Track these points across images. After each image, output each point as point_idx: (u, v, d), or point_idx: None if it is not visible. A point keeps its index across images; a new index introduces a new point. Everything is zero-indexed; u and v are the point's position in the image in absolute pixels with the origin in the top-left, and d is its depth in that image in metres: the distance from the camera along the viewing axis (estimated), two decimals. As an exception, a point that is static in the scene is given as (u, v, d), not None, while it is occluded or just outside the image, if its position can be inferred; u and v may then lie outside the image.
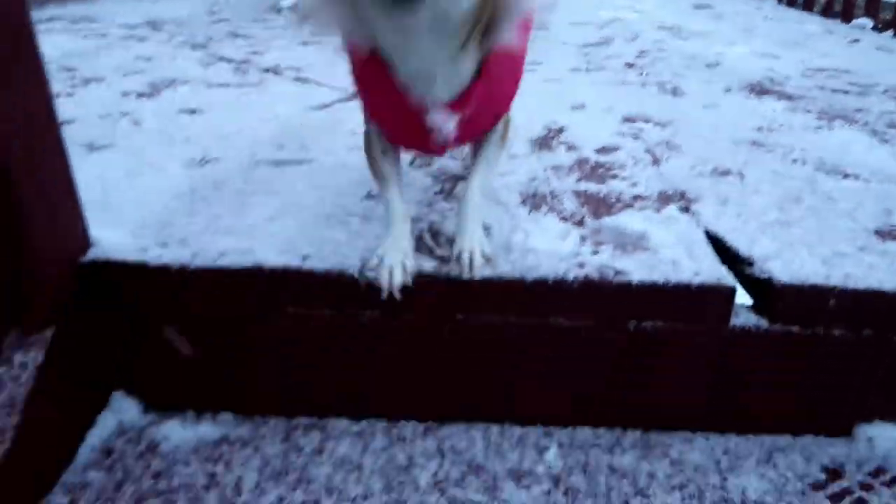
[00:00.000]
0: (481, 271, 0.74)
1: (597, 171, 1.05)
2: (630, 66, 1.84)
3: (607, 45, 2.13)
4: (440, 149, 0.77)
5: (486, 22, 0.67)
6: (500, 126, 0.81)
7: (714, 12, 2.94)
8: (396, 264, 0.72)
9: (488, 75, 0.71)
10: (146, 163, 1.05)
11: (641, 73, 1.74)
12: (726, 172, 1.06)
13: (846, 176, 1.05)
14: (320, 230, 0.82)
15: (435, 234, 0.84)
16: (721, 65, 1.87)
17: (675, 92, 1.56)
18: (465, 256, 0.74)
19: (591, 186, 0.99)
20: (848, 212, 0.92)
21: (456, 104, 0.70)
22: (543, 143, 1.18)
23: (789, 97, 1.53)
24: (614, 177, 1.03)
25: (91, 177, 0.97)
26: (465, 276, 0.73)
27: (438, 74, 0.68)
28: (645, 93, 1.55)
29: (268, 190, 0.94)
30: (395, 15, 0.61)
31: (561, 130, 1.25)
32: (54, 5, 2.70)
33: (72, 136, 1.14)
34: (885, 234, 0.86)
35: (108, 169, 1.01)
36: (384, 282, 0.71)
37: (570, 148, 1.16)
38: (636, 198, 0.95)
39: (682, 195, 0.96)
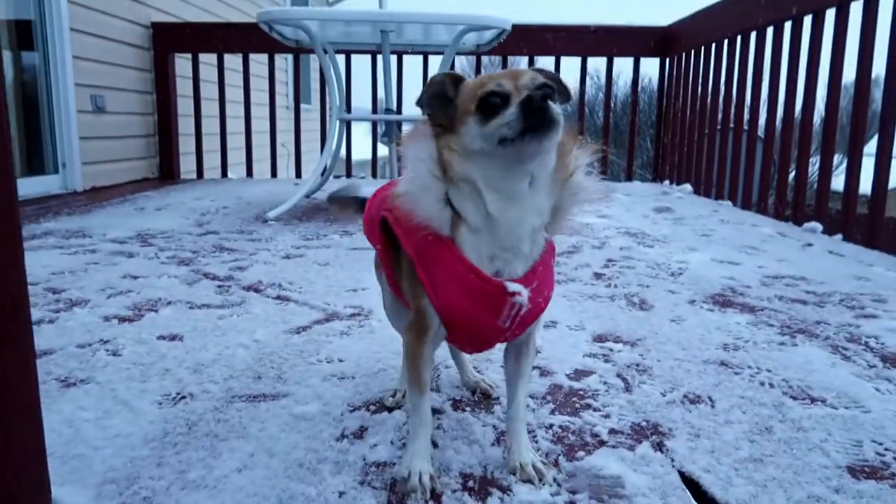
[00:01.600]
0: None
1: (570, 401, 1.06)
2: (599, 276, 1.93)
3: (578, 253, 2.24)
4: (499, 335, 0.82)
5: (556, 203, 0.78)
6: (539, 323, 0.86)
7: (674, 216, 3.15)
8: (425, 472, 0.79)
9: (545, 256, 0.80)
10: (120, 400, 1.04)
11: (609, 285, 1.83)
12: (697, 399, 1.07)
13: (813, 401, 1.07)
14: (290, 483, 0.81)
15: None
16: (684, 273, 1.97)
17: (643, 305, 1.62)
18: (530, 469, 0.82)
19: (565, 420, 0.99)
20: (818, 444, 0.93)
21: (524, 280, 0.78)
22: (517, 367, 1.20)
23: (752, 309, 1.59)
24: (587, 407, 1.04)
25: (60, 421, 0.96)
26: (538, 485, 0.80)
27: (524, 245, 0.77)
28: (614, 307, 1.61)
29: (241, 433, 0.94)
30: (532, 138, 0.70)
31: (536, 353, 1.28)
32: (49, 219, 2.82)
33: (49, 370, 1.15)
34: (857, 470, 0.86)
35: (79, 410, 1.00)
36: (420, 487, 0.78)
37: (544, 373, 1.18)
38: (611, 432, 0.95)
39: (656, 428, 0.97)
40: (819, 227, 2.72)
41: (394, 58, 4.20)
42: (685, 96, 4.31)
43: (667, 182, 4.52)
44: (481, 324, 0.80)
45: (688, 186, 4.15)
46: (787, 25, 3.11)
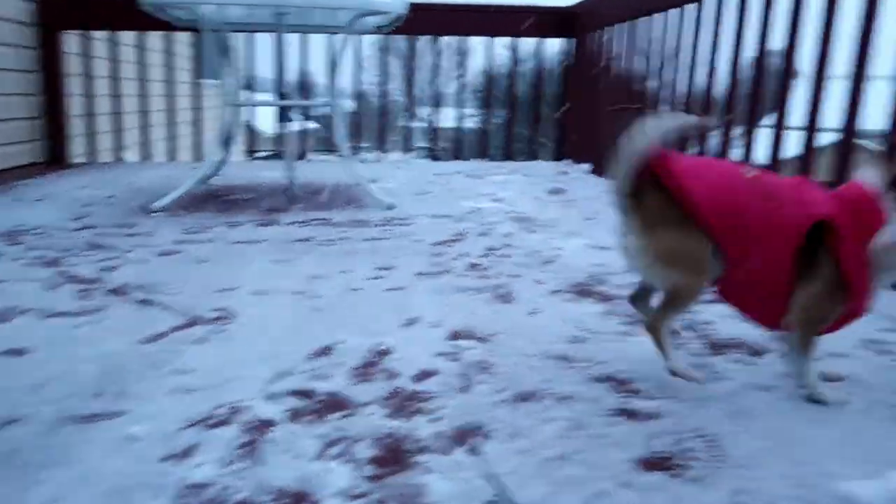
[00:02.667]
0: None
1: (406, 405, 1.10)
2: (474, 266, 1.98)
3: (460, 242, 2.29)
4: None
5: None
6: None
7: (566, 198, 3.25)
8: None
9: None
10: (-57, 429, 1.02)
11: (482, 276, 1.88)
12: (528, 397, 1.14)
13: (633, 393, 1.16)
14: (100, 511, 0.82)
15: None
16: (556, 261, 2.05)
17: (507, 297, 1.69)
18: None
19: (395, 424, 1.04)
20: (622, 439, 1.00)
21: None
22: (364, 371, 1.24)
23: (606, 298, 1.68)
24: (419, 412, 1.08)
25: None
26: None
27: None
28: (479, 300, 1.67)
29: (63, 459, 0.93)
30: None
31: (386, 353, 1.32)
32: (-88, 215, 2.65)
33: None
34: (648, 463, 0.94)
35: None
36: None
37: (390, 375, 1.22)
38: (435, 436, 1.00)
39: (479, 429, 1.02)
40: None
41: (297, 37, 4.11)
42: (588, 76, 4.41)
43: (568, 161, 4.64)
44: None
45: (586, 167, 4.28)
46: (691, 7, 3.22)
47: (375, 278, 1.84)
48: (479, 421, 1.05)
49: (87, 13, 4.38)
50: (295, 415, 1.08)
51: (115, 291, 1.70)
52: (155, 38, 4.61)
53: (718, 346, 1.37)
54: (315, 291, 1.71)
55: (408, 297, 1.69)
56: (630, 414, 1.09)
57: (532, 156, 4.91)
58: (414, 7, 4.40)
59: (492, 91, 5.03)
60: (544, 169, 4.38)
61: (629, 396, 1.15)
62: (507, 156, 4.95)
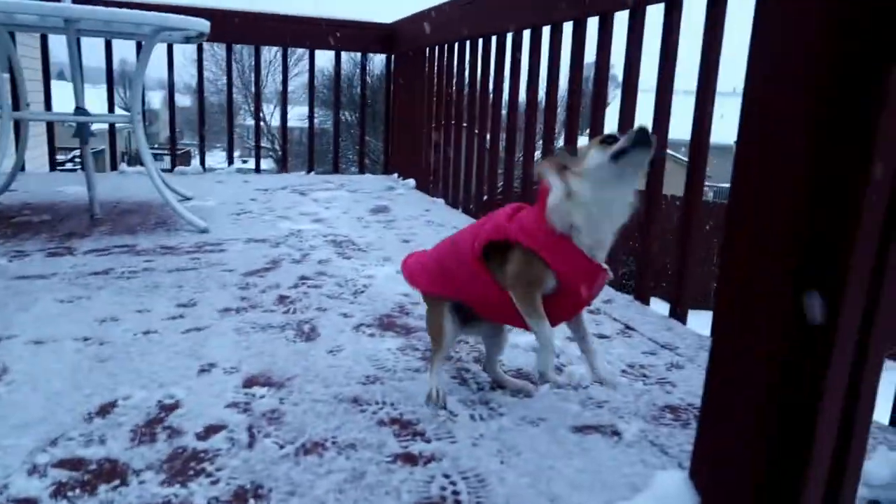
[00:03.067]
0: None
1: (187, 467, 1.09)
2: (282, 299, 1.98)
3: (273, 272, 2.27)
4: (581, 304, 1.28)
5: None
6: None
7: (387, 217, 3.32)
8: None
9: None
10: None
11: (288, 310, 1.88)
12: (312, 449, 1.16)
13: (414, 436, 1.23)
14: None
15: None
16: (366, 291, 2.10)
17: (311, 335, 1.70)
18: (609, 376, 1.33)
19: (170, 492, 1.02)
20: (398, 485, 1.06)
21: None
22: (146, 430, 1.20)
23: (407, 332, 1.76)
24: (201, 472, 1.07)
25: None
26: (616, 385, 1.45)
27: (608, 242, 1.23)
28: (281, 339, 1.67)
29: None
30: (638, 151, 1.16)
31: (174, 408, 1.29)
32: None
33: None
34: (417, 511, 1.00)
35: None
36: None
37: (172, 433, 1.19)
38: (212, 501, 1.00)
39: (256, 491, 1.03)
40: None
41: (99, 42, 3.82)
42: (410, 92, 4.52)
43: (395, 175, 4.73)
44: (581, 290, 1.24)
45: (412, 181, 4.40)
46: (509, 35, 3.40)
47: (174, 318, 1.78)
48: (258, 480, 1.06)
49: None
50: (59, 489, 1.02)
51: None
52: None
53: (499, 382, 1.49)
54: (104, 337, 1.62)
55: (206, 338, 1.65)
56: (409, 458, 1.15)
57: (360, 170, 4.96)
58: (233, 15, 4.28)
59: (313, 104, 4.99)
60: (372, 184, 4.43)
61: (411, 440, 1.21)
62: (336, 168, 4.96)
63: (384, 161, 5.00)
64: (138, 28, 2.89)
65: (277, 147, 17.11)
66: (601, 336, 1.80)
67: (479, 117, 3.61)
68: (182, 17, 2.69)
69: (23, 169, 3.61)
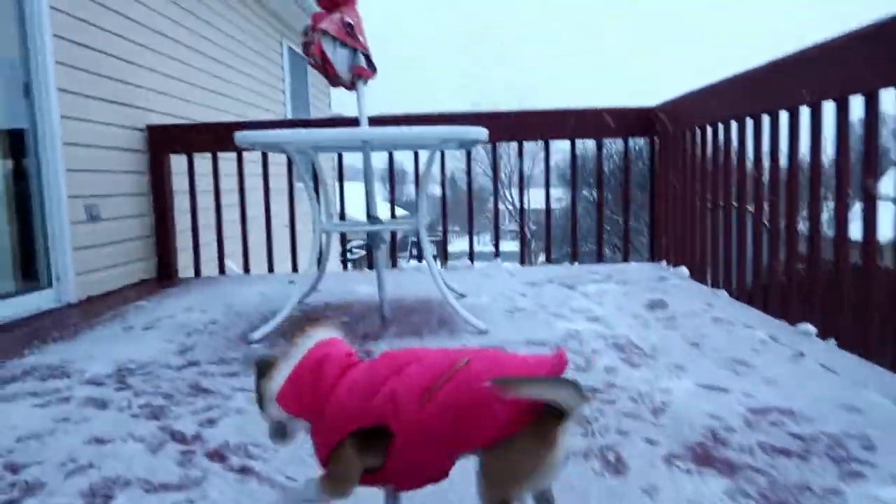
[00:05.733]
0: None
1: None
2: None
3: (559, 381, 2.17)
4: None
5: None
6: None
7: (667, 315, 3.09)
8: None
9: None
10: None
11: (587, 432, 1.76)
12: None
13: None
14: None
15: None
16: (667, 409, 1.90)
17: (618, 468, 1.56)
18: None
19: None
20: None
21: None
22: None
23: (731, 469, 1.52)
24: None
25: None
26: None
27: None
28: (587, 472, 1.54)
29: None
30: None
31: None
32: (34, 350, 2.81)
33: None
34: None
35: None
36: None
37: (498, 590, 1.11)
38: None
39: None
40: (812, 329, 2.65)
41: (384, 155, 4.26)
42: (677, 173, 4.30)
43: (663, 262, 4.47)
44: None
45: (684, 269, 4.10)
46: (771, 117, 3.10)
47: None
48: None
49: (190, 139, 4.72)
50: None
51: (214, 455, 1.69)
52: (252, 163, 4.86)
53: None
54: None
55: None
56: None
57: (624, 258, 4.77)
58: (496, 116, 4.49)
59: (575, 191, 4.97)
60: (640, 274, 4.22)
61: None
62: (599, 256, 4.83)
63: (650, 247, 4.77)
64: (423, 141, 3.13)
65: (528, 231, 17.64)
66: None
67: (766, 196, 3.25)
68: (463, 128, 2.84)
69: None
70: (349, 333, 2.97)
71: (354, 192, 4.52)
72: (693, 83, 3.92)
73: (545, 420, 1.01)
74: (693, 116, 4.02)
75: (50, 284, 3.82)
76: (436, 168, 4.73)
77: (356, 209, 4.86)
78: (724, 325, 2.87)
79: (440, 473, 1.12)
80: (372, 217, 3.15)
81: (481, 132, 2.89)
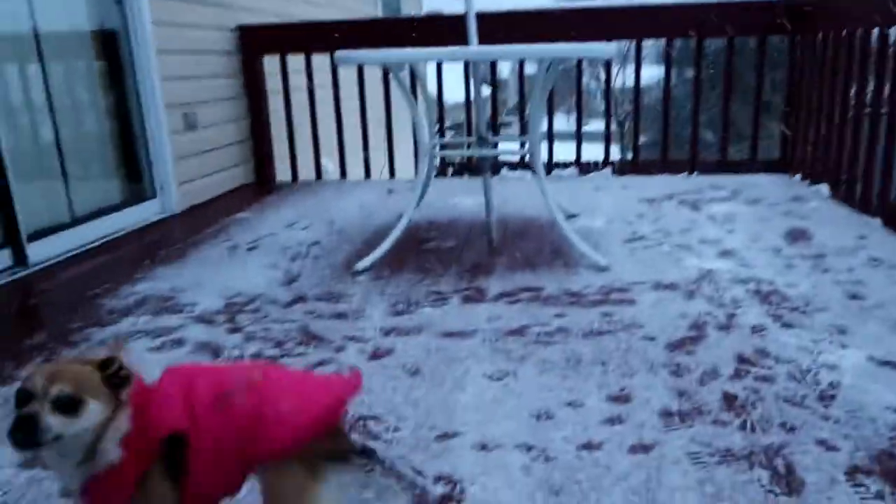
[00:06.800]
0: None
1: None
2: (729, 401, 1.64)
3: (701, 344, 1.95)
4: None
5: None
6: None
7: (812, 249, 2.73)
8: None
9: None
10: None
11: (744, 424, 1.54)
12: None
13: None
14: None
15: None
16: (837, 394, 1.64)
17: (790, 483, 1.34)
18: None
19: None
20: None
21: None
22: None
23: (933, 496, 1.28)
24: None
25: None
26: None
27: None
28: (753, 485, 1.33)
29: None
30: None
31: None
32: (145, 273, 2.81)
33: None
34: None
35: None
36: None
37: None
38: None
39: None
40: None
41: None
42: (822, 78, 3.72)
43: (798, 177, 3.98)
44: None
45: (824, 188, 3.63)
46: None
47: (611, 422, 1.57)
48: None
49: (284, 39, 4.47)
50: None
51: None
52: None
53: None
54: (546, 446, 1.49)
55: (660, 470, 1.39)
56: None
57: (752, 164, 4.27)
58: (611, 11, 3.99)
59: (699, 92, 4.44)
60: (771, 191, 3.77)
61: None
62: (723, 163, 4.36)
63: (781, 156, 4.26)
64: (542, 59, 2.78)
65: (620, 113, 16.52)
66: None
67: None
68: (587, 46, 2.47)
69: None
70: (456, 264, 2.83)
71: (451, 74, 4.19)
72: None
73: (322, 454, 1.00)
74: (850, 18, 3.39)
75: (154, 195, 3.81)
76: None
77: (452, 91, 4.55)
78: (885, 268, 2.49)
79: (234, 486, 1.05)
80: (482, 139, 2.88)
81: (604, 50, 2.51)
